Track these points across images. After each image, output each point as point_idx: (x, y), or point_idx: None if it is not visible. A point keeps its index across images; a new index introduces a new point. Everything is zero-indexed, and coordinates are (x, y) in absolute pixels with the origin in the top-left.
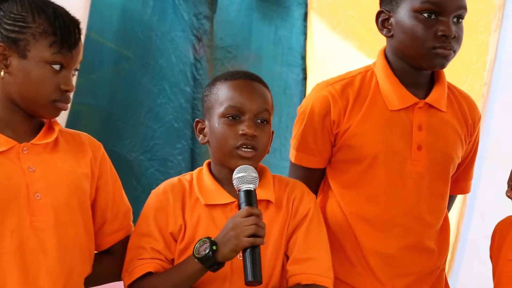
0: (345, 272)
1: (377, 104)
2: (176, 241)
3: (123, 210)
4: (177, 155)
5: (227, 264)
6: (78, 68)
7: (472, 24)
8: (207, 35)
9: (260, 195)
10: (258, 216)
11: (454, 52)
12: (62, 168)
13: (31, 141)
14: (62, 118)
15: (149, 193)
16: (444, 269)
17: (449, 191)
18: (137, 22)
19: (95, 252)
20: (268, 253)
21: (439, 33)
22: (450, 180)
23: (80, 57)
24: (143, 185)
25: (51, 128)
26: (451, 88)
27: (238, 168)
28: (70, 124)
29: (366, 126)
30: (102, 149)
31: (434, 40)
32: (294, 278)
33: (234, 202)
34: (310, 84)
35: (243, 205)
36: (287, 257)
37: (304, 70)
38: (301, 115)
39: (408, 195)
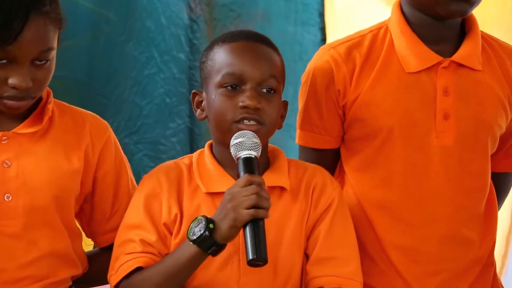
0: (366, 271)
1: (391, 66)
2: (171, 233)
3: (127, 205)
4: (171, 136)
5: (235, 264)
6: (45, 58)
7: None
8: None
9: (272, 180)
10: (260, 185)
11: None
12: (44, 163)
13: (13, 130)
14: None
15: (136, 183)
16: (492, 265)
17: (490, 168)
18: None
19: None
20: (284, 250)
21: None
22: (489, 154)
23: (38, 47)
24: None
25: (42, 113)
26: (489, 41)
27: (235, 134)
28: None
29: (378, 93)
30: (107, 134)
31: None
32: (315, 281)
33: None
34: None
35: (241, 174)
36: (306, 256)
37: (322, 30)
38: (303, 86)
39: (433, 174)
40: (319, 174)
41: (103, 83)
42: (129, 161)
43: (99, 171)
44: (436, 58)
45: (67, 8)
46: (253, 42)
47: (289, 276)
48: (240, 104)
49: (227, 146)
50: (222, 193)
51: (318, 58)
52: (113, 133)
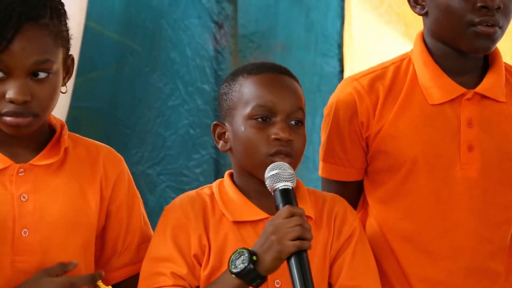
0: None
1: (414, 98)
2: (200, 265)
3: (138, 241)
4: (194, 167)
5: None
6: (43, 70)
7: None
8: (230, 21)
9: None
10: (302, 216)
11: (501, 28)
12: (63, 196)
13: (30, 161)
14: None
15: (158, 215)
16: None
17: None
18: (144, 7)
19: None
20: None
21: (479, 4)
22: None
23: (32, 56)
24: (150, 206)
25: (58, 145)
26: (511, 71)
27: (271, 165)
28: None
29: (401, 125)
30: (121, 167)
31: (473, 13)
32: None
33: (267, 218)
34: None
35: (280, 206)
36: (329, 285)
37: (341, 61)
38: (326, 119)
39: (457, 207)
40: (339, 203)
41: (127, 113)
42: (152, 192)
43: (113, 204)
44: (460, 90)
45: (93, 38)
46: (279, 74)
47: None
48: (273, 136)
49: (257, 177)
50: (249, 222)
51: (341, 91)
52: (127, 167)
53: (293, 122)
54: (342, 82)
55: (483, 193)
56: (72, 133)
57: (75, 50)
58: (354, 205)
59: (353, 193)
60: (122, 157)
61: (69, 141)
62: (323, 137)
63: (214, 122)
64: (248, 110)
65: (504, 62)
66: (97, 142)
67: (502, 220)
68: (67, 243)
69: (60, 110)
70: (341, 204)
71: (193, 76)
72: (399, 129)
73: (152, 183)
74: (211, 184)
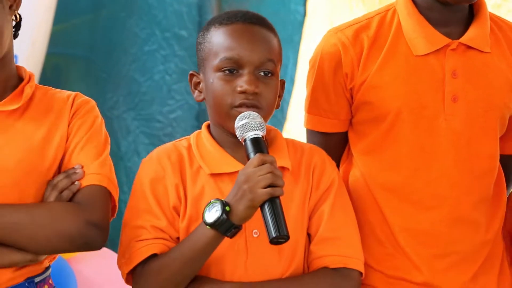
0: (373, 253)
1: (398, 49)
2: (179, 216)
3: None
4: (168, 113)
5: (241, 245)
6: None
7: None
8: None
9: None
10: (273, 163)
11: None
12: (21, 141)
13: None
14: (36, 71)
15: (132, 161)
16: (500, 245)
17: (498, 151)
18: None
19: None
20: (289, 230)
21: None
22: (497, 137)
23: None
24: (123, 150)
25: (22, 93)
26: (498, 22)
27: (240, 115)
28: (46, 79)
29: (386, 76)
30: (90, 105)
31: None
32: (319, 260)
33: None
34: None
35: (251, 155)
36: (308, 235)
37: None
38: (310, 70)
39: (441, 157)
40: (317, 153)
41: (104, 59)
42: (125, 137)
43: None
44: (445, 40)
45: None
46: (250, 25)
47: (293, 256)
48: (238, 89)
49: (226, 129)
50: (225, 174)
51: (326, 42)
52: (98, 110)
53: (262, 73)
54: (326, 33)
55: (467, 144)
56: (45, 86)
57: None
58: (339, 157)
59: (338, 144)
60: (93, 101)
61: (38, 91)
62: (307, 89)
63: (190, 72)
64: (216, 61)
65: (490, 13)
66: (69, 91)
67: (485, 170)
68: (22, 185)
69: (37, 57)
70: (320, 155)
71: (171, 22)
72: (383, 80)
73: (126, 128)
74: (188, 136)
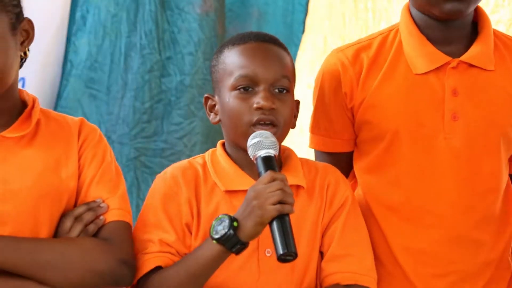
0: None
1: (398, 67)
2: (191, 233)
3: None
4: None
5: (254, 263)
6: None
7: None
8: None
9: (288, 179)
10: (283, 180)
11: None
12: (31, 168)
13: (1, 133)
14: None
15: None
16: (508, 269)
17: (504, 169)
18: None
19: None
20: (301, 248)
21: None
22: (502, 155)
23: None
24: None
25: (29, 118)
26: (502, 38)
27: (252, 134)
28: None
29: (384, 94)
30: (98, 134)
31: None
32: (331, 277)
33: None
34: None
35: (262, 173)
36: (320, 253)
37: None
38: (314, 90)
39: (441, 176)
40: (332, 172)
41: None
42: None
43: (80, 160)
44: (445, 58)
45: None
46: (263, 43)
47: (305, 273)
48: (255, 105)
49: (242, 147)
50: (240, 191)
51: (327, 62)
52: (104, 137)
53: (277, 90)
54: (329, 53)
55: (467, 163)
56: (44, 108)
57: None
58: (346, 176)
59: (345, 164)
60: (99, 129)
61: (41, 115)
62: (313, 109)
63: (205, 95)
64: (231, 81)
65: (495, 29)
66: (68, 115)
67: (487, 189)
68: (35, 213)
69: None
70: (334, 174)
71: None
72: (382, 99)
73: None
74: (203, 154)
